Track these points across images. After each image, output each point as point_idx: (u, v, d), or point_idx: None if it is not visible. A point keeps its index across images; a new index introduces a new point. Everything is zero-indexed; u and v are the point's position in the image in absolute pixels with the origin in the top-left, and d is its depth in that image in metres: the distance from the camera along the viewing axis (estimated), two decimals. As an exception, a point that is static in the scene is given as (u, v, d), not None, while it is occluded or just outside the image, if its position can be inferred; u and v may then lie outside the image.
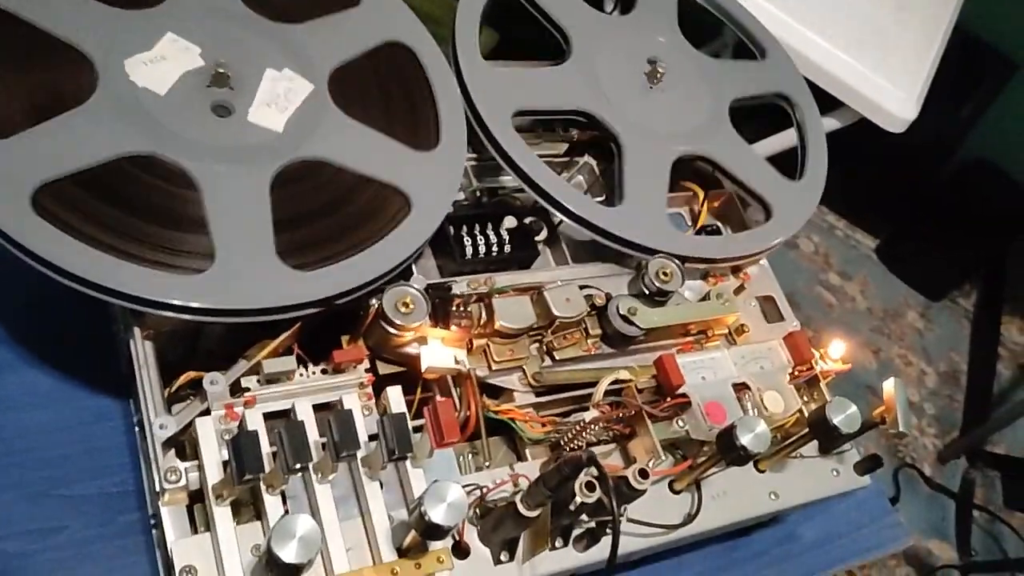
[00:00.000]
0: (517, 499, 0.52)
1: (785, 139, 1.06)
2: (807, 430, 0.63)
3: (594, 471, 0.50)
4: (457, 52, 0.70)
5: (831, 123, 1.08)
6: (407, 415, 0.52)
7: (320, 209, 0.60)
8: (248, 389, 0.53)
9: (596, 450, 0.61)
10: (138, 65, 0.59)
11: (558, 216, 0.67)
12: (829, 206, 2.30)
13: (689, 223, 0.78)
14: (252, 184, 0.58)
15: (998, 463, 2.06)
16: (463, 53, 0.70)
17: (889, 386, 0.64)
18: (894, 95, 1.06)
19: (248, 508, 0.53)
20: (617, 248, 0.67)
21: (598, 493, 0.53)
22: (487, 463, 0.61)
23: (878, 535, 0.86)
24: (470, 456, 0.62)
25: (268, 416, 0.54)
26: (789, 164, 0.81)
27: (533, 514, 0.52)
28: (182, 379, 0.55)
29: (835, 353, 0.68)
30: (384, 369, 0.60)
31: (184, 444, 0.54)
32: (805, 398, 0.67)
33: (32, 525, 0.59)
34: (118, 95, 0.58)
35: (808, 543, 0.82)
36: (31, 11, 0.58)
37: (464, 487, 0.52)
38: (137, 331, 0.55)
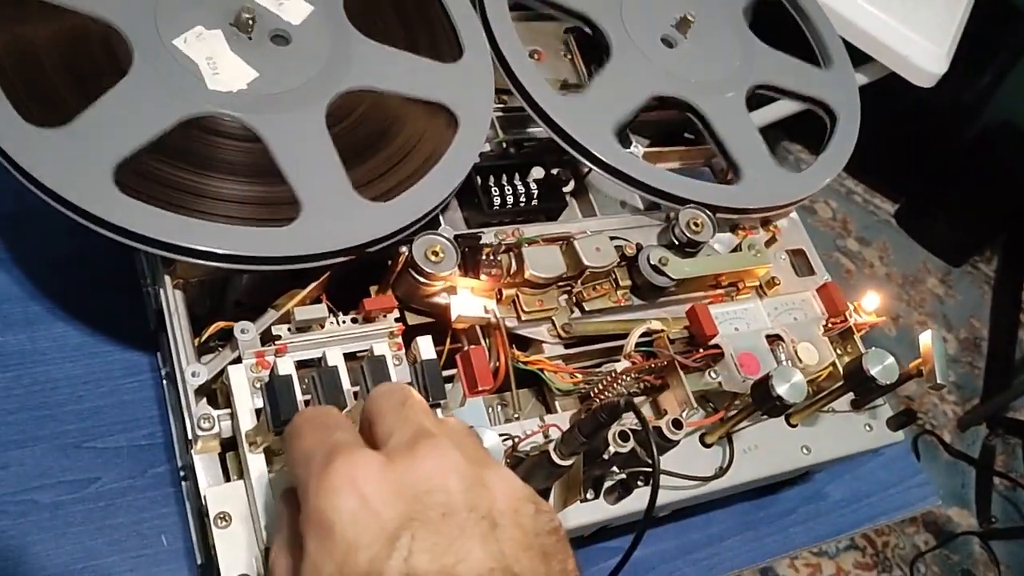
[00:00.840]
0: (550, 447, 0.52)
1: (783, 108, 1.05)
2: (842, 383, 0.63)
3: (632, 417, 0.49)
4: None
5: (859, 79, 1.06)
6: (438, 362, 0.52)
7: (376, 138, 0.60)
8: (279, 337, 0.53)
9: (627, 402, 0.60)
10: (211, 77, 0.58)
11: (587, 166, 0.66)
12: (847, 170, 2.27)
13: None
14: (310, 125, 0.58)
15: (1019, 429, 2.06)
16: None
17: (926, 338, 0.63)
18: (924, 49, 1.04)
19: (280, 457, 0.52)
20: (647, 197, 0.66)
21: (631, 443, 0.52)
22: (517, 415, 0.60)
23: (906, 495, 0.85)
24: (499, 408, 0.61)
25: (299, 365, 0.53)
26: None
27: (567, 463, 0.52)
28: (212, 328, 0.55)
29: (869, 306, 0.67)
30: (413, 320, 0.59)
31: (215, 394, 0.54)
32: (839, 351, 0.66)
33: (66, 476, 0.59)
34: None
35: (836, 502, 0.82)
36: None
37: (497, 436, 0.52)
38: (167, 279, 0.55)
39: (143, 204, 0.51)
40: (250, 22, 0.59)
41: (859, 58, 1.04)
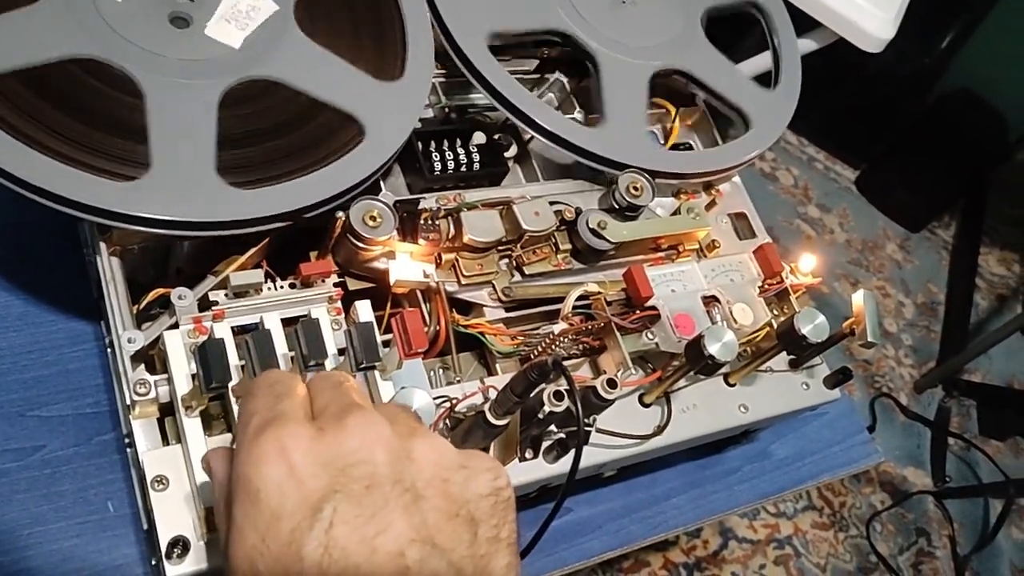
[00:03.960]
0: (486, 408, 0.53)
1: (762, 62, 1.05)
2: (776, 342, 0.64)
3: (561, 376, 0.50)
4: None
5: (808, 44, 1.07)
6: (374, 325, 0.52)
7: (269, 129, 0.59)
8: (216, 303, 0.53)
9: (566, 364, 0.61)
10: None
11: (529, 132, 0.67)
12: (809, 138, 2.30)
13: (662, 140, 0.78)
14: (200, 98, 0.57)
15: (974, 392, 2.10)
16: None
17: (858, 298, 0.64)
18: (871, 14, 1.04)
19: (219, 421, 0.53)
20: (588, 164, 0.67)
21: (566, 403, 0.53)
22: (457, 378, 0.61)
23: (849, 452, 0.88)
24: (441, 371, 0.62)
25: (237, 331, 0.54)
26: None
27: (502, 423, 0.53)
28: (150, 296, 0.55)
29: (805, 267, 0.68)
30: (353, 285, 0.60)
31: (154, 360, 0.55)
32: (775, 312, 0.68)
33: (10, 444, 0.59)
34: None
35: (780, 460, 0.84)
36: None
37: (435, 399, 0.53)
38: (103, 247, 0.55)
39: (83, 173, 0.51)
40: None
41: (807, 24, 1.04)
